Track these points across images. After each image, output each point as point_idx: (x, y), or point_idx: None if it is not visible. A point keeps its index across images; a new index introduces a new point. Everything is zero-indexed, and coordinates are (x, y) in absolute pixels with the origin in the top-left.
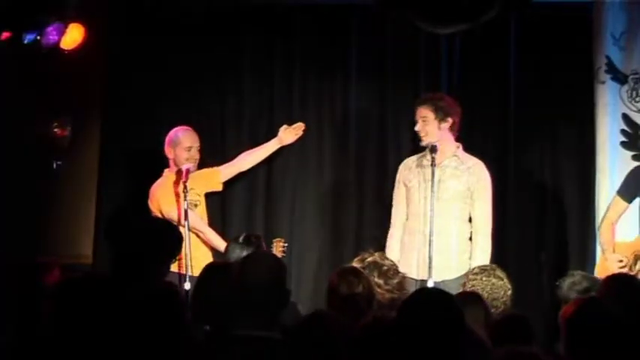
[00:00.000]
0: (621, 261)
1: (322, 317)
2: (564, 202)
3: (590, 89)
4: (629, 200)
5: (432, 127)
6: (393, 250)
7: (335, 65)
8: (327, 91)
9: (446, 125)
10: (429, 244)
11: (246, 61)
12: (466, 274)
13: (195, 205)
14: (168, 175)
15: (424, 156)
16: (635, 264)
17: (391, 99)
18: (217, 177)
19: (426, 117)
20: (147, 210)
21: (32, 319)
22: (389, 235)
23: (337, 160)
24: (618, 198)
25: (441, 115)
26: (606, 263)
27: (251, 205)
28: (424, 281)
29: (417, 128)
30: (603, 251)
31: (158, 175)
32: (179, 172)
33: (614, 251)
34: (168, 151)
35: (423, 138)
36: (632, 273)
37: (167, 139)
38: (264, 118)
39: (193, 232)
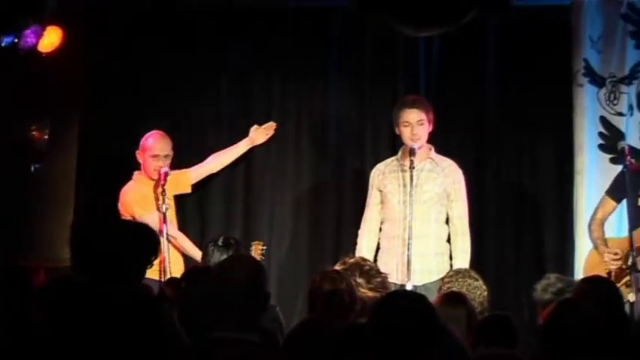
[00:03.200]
0: (616, 254)
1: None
2: (543, 203)
3: (568, 92)
4: (618, 200)
5: (425, 131)
6: (362, 250)
7: (314, 68)
8: (306, 93)
9: (430, 128)
10: (408, 248)
11: (225, 64)
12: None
13: (167, 209)
14: (139, 178)
15: (397, 160)
16: (627, 259)
17: (370, 102)
18: (187, 179)
19: (422, 120)
20: (118, 213)
21: (23, 321)
22: (358, 237)
23: (316, 162)
24: (607, 198)
25: (430, 118)
26: (598, 257)
27: (229, 208)
28: (404, 285)
29: (414, 131)
30: (596, 247)
31: (130, 179)
32: (157, 176)
33: (607, 245)
34: (139, 155)
35: (417, 141)
36: (624, 267)
37: (141, 141)
38: (242, 121)
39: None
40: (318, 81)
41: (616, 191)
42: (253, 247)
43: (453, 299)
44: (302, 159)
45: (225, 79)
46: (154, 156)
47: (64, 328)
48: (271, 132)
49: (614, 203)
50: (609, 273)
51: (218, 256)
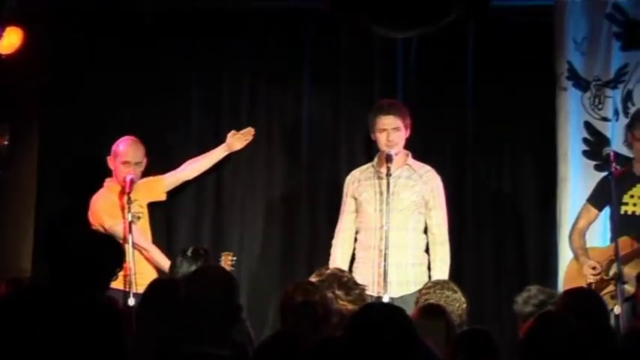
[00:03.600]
0: (594, 268)
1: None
2: (525, 212)
3: (551, 96)
4: (600, 208)
5: (402, 137)
6: (336, 260)
7: (286, 71)
8: (278, 97)
9: (407, 134)
10: (385, 259)
11: (195, 66)
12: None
13: (139, 218)
14: (110, 186)
15: (373, 167)
16: (609, 269)
17: (344, 106)
18: (161, 186)
19: (399, 126)
20: (87, 223)
21: None
22: (332, 247)
23: (288, 169)
24: (589, 206)
25: (407, 124)
26: (578, 268)
27: (198, 217)
28: (381, 297)
29: (390, 137)
30: (576, 257)
31: (101, 186)
32: (123, 183)
33: (588, 255)
34: (110, 161)
35: (393, 148)
36: (606, 278)
37: (112, 147)
38: (211, 125)
39: (136, 248)
40: (290, 84)
41: (598, 199)
42: (223, 258)
43: (432, 311)
44: (274, 165)
45: (194, 82)
46: (125, 162)
47: (26, 340)
48: (249, 137)
49: (595, 211)
50: (589, 284)
51: (187, 268)
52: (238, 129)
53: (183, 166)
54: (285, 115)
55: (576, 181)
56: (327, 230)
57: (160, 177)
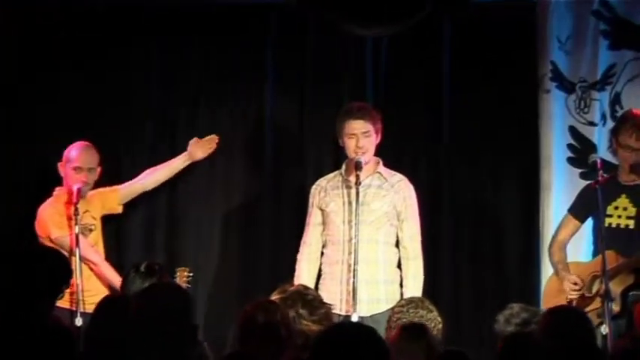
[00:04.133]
0: (576, 284)
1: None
2: (505, 223)
3: (534, 99)
4: (582, 219)
5: (372, 142)
6: (302, 276)
7: (248, 70)
8: (240, 99)
9: (377, 139)
10: (354, 275)
11: (150, 67)
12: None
13: (90, 230)
14: (60, 195)
15: (341, 175)
16: (592, 285)
17: (311, 109)
18: (116, 197)
19: (369, 132)
20: (34, 235)
21: None
22: (297, 262)
23: (249, 178)
24: (570, 217)
25: (377, 129)
26: (559, 284)
27: (151, 230)
28: (350, 317)
29: (360, 144)
30: (556, 272)
31: (50, 195)
32: (70, 193)
33: (569, 270)
34: (61, 167)
35: (363, 154)
36: (588, 295)
37: (64, 152)
38: (166, 129)
39: (85, 263)
40: (253, 85)
41: (580, 209)
42: (178, 274)
43: (413, 331)
44: (234, 172)
45: (148, 82)
46: (77, 168)
47: None
48: (213, 146)
49: (577, 223)
50: (570, 302)
51: (139, 284)
52: (195, 134)
53: (141, 176)
54: (247, 118)
55: (560, 189)
56: (290, 244)
57: (115, 188)
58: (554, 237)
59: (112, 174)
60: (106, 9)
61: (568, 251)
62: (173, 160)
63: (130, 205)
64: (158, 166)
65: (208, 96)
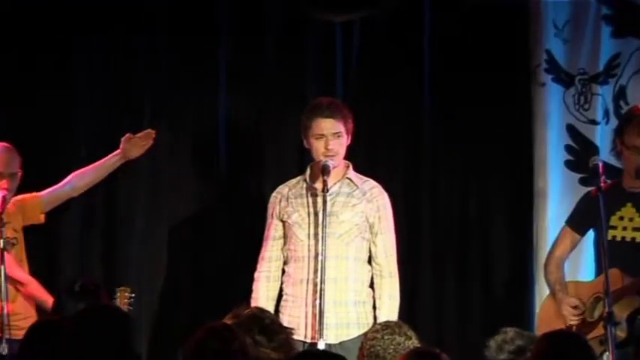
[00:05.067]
0: (576, 307)
1: None
2: (494, 237)
3: (526, 94)
4: (582, 232)
5: (342, 144)
6: (259, 298)
7: (199, 62)
8: (190, 95)
9: (348, 140)
10: (320, 296)
11: (86, 60)
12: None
13: (13, 245)
14: None
15: (305, 181)
16: (594, 309)
17: (271, 105)
18: (38, 205)
19: (339, 132)
20: None
21: None
22: (254, 281)
23: (200, 184)
24: (568, 229)
25: (349, 129)
26: (554, 307)
27: (86, 244)
28: (315, 344)
29: (329, 145)
30: (553, 293)
31: None
32: None
33: (567, 291)
34: None
35: (332, 158)
36: (590, 320)
37: None
38: (106, 130)
39: (10, 283)
40: (204, 79)
41: (579, 220)
42: (118, 295)
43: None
44: (183, 179)
45: (83, 79)
46: None
47: None
48: (150, 142)
49: (576, 236)
50: (569, 328)
51: (73, 307)
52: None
53: (66, 180)
54: (198, 117)
55: (557, 197)
56: (247, 260)
57: (36, 194)
58: (550, 253)
59: (38, 178)
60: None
61: (566, 269)
62: (104, 160)
63: (63, 215)
64: (86, 168)
65: (153, 94)
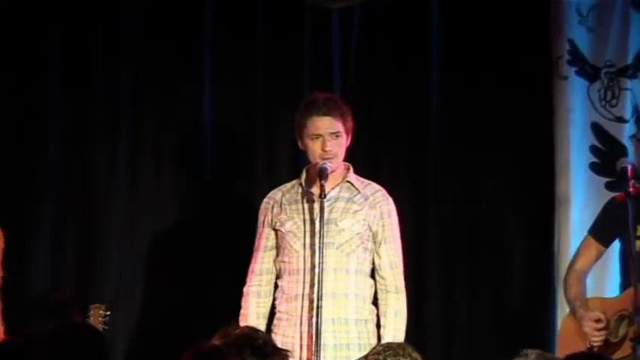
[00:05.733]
0: (599, 320)
1: None
2: (509, 248)
3: (547, 88)
4: (607, 243)
5: (342, 145)
6: (250, 316)
7: (181, 54)
8: (171, 90)
9: (348, 141)
10: (317, 313)
11: (57, 56)
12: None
13: None
14: None
15: (300, 185)
16: (619, 327)
17: (262, 101)
18: None
19: (338, 132)
20: None
21: None
22: (243, 297)
23: (184, 188)
24: (591, 240)
25: (348, 127)
26: (575, 326)
27: (57, 254)
28: None
29: (326, 146)
30: (573, 310)
31: None
32: None
33: (589, 308)
34: None
35: (330, 160)
36: (614, 340)
37: None
38: (79, 133)
39: None
40: (187, 75)
41: (604, 230)
42: (92, 312)
43: None
44: (164, 182)
45: (54, 76)
46: None
47: None
48: None
49: (600, 247)
50: (591, 348)
51: (42, 325)
52: (117, 134)
53: None
54: (181, 114)
55: (580, 204)
56: (236, 273)
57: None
58: (570, 266)
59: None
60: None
61: (588, 284)
62: None
63: (33, 222)
64: None
65: (131, 89)
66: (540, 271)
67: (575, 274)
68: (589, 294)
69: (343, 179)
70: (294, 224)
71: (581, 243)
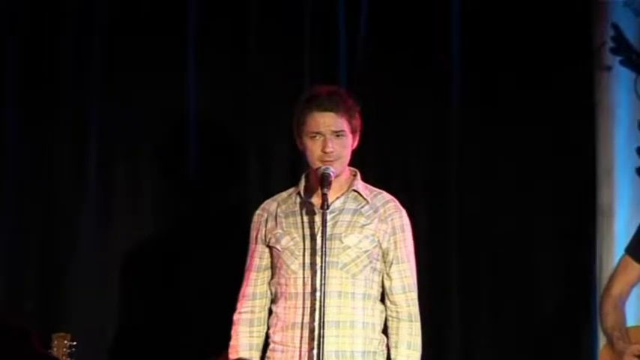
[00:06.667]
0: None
1: None
2: (542, 265)
3: (586, 80)
4: None
5: (347, 146)
6: (240, 346)
7: (162, 42)
8: (150, 85)
9: (355, 142)
10: (319, 345)
11: (23, 58)
12: None
13: None
14: None
15: (299, 195)
16: None
17: (255, 97)
18: None
19: (342, 131)
20: None
21: None
22: (233, 324)
23: (164, 195)
24: (629, 260)
25: (355, 126)
26: (613, 358)
27: (16, 273)
28: None
29: (327, 147)
30: (611, 341)
31: None
32: None
33: (629, 340)
34: None
35: (333, 163)
36: None
37: None
38: (49, 123)
39: None
40: (168, 63)
41: None
42: (55, 342)
43: None
44: (141, 189)
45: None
46: None
47: None
48: None
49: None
50: None
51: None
52: (90, 133)
53: None
54: (161, 109)
55: (625, 214)
56: (224, 298)
57: None
58: (605, 290)
59: None
60: None
61: (629, 311)
62: None
63: None
64: None
65: (105, 82)
66: (577, 292)
67: (612, 300)
68: (630, 322)
69: (349, 187)
70: (291, 240)
71: (619, 263)
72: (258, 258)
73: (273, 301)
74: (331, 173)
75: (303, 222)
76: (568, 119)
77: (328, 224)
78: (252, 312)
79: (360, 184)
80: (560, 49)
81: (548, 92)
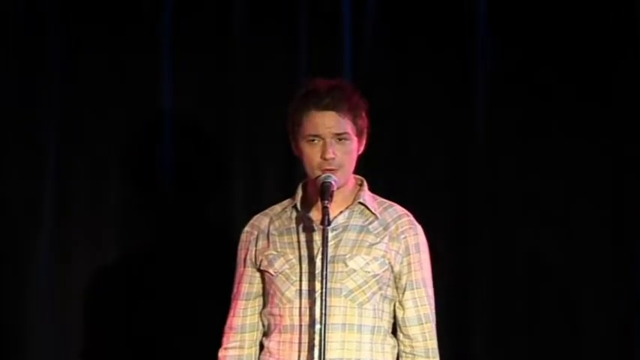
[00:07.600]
0: None
1: None
2: (584, 287)
3: (634, 79)
4: None
5: (351, 151)
6: None
7: (139, 31)
8: (119, 79)
9: (361, 146)
10: None
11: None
12: None
13: None
14: None
15: (295, 208)
16: None
17: (242, 92)
18: None
19: (346, 133)
20: None
21: None
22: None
23: (141, 208)
24: None
25: (361, 128)
26: None
27: None
28: None
29: (327, 153)
30: None
31: None
32: None
33: None
34: None
35: (334, 172)
36: None
37: None
38: (27, 119)
39: None
40: (139, 46)
41: None
42: None
43: None
44: (117, 200)
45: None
46: None
47: None
48: None
49: None
50: None
51: None
52: (62, 128)
53: None
54: (134, 116)
55: None
56: (208, 331)
57: None
58: None
59: None
60: None
61: None
62: None
63: None
64: None
65: (77, 72)
66: (625, 317)
67: None
68: None
69: (354, 200)
70: (286, 263)
71: None
72: (248, 284)
73: (265, 334)
74: (333, 183)
75: (300, 241)
76: (614, 123)
77: (330, 244)
78: (241, 347)
79: (367, 196)
80: (602, 44)
81: (591, 90)
